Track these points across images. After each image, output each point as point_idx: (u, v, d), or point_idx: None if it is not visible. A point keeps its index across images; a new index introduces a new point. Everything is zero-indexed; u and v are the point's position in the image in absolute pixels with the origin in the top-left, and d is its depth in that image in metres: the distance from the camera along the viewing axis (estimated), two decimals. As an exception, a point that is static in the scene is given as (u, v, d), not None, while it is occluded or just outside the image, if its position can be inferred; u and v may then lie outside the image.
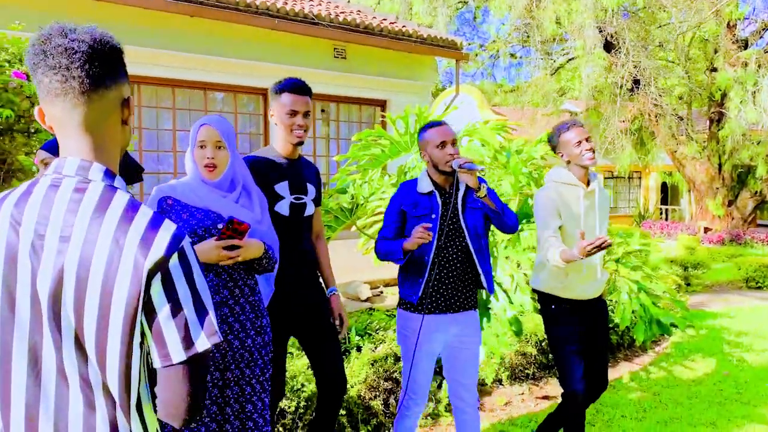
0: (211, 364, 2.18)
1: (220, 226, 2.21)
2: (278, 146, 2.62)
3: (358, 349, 3.69)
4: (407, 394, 2.75)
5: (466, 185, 2.66)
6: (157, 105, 8.35)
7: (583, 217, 2.89)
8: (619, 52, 14.13)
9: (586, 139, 2.87)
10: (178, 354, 1.07)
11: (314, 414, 2.77)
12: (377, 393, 3.58)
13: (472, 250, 2.65)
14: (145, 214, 1.09)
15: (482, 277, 2.68)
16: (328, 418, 2.73)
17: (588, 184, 2.94)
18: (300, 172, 2.65)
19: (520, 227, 3.90)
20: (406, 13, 16.72)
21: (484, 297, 3.71)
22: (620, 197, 22.78)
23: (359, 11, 9.91)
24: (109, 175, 1.12)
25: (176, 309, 1.07)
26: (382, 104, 10.06)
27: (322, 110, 10.03)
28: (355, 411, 3.44)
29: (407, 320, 2.70)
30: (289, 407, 3.21)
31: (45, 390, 1.08)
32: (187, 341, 1.08)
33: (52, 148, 2.19)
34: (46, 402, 1.08)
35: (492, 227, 3.14)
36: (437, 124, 2.70)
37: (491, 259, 3.80)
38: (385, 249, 2.66)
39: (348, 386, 3.47)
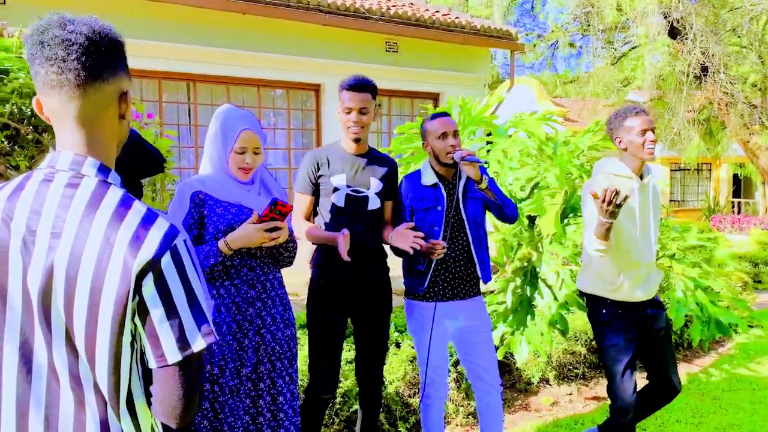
0: (245, 358, 2.19)
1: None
2: (343, 142, 2.70)
3: (397, 345, 3.63)
4: (426, 381, 2.75)
5: (467, 175, 2.63)
6: (212, 103, 8.52)
7: (638, 213, 2.71)
8: (686, 39, 13.50)
9: (653, 130, 2.69)
10: (173, 355, 1.06)
11: (360, 413, 2.82)
12: (416, 390, 3.52)
13: (470, 239, 2.69)
14: (138, 211, 1.07)
15: (477, 266, 2.72)
16: (372, 416, 2.78)
17: (642, 177, 2.76)
18: (365, 166, 2.67)
19: (566, 221, 3.76)
20: (462, 5, 16.51)
21: (528, 293, 3.59)
22: (688, 190, 21.82)
23: (411, 4, 9.81)
24: (103, 170, 1.10)
25: (171, 309, 1.05)
26: (435, 97, 9.95)
27: (377, 105, 10.02)
28: (393, 408, 3.40)
29: (415, 308, 2.75)
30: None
31: (36, 386, 1.07)
32: (183, 341, 1.06)
33: None
34: (37, 398, 1.07)
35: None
36: (440, 115, 2.71)
37: (536, 255, 3.70)
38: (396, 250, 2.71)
39: (386, 383, 3.43)
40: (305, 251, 2.75)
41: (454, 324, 2.72)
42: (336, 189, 2.62)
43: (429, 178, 2.70)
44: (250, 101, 8.80)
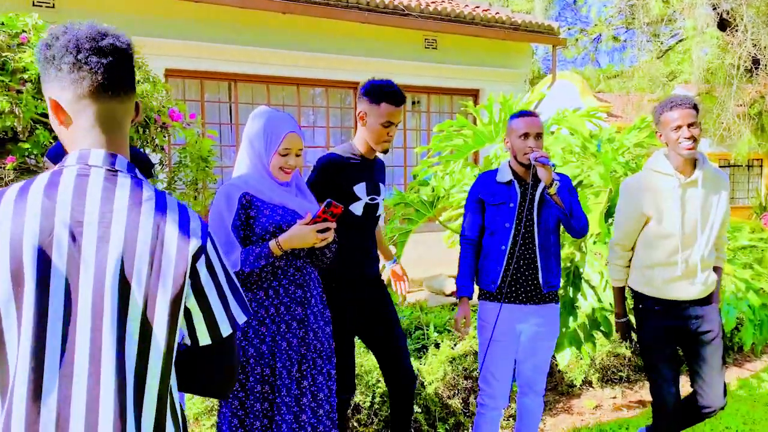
0: (294, 357, 2.20)
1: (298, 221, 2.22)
2: (360, 145, 2.62)
3: (437, 345, 3.60)
4: (482, 390, 2.72)
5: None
6: (252, 102, 8.62)
7: (680, 213, 2.58)
8: (736, 30, 13.05)
9: (690, 125, 2.52)
10: (226, 329, 1.17)
11: (390, 412, 2.77)
12: (456, 391, 3.49)
13: (537, 244, 2.63)
14: (174, 202, 1.16)
15: (539, 273, 2.64)
16: (402, 415, 2.73)
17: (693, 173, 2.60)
18: (374, 172, 2.67)
19: (610, 221, 3.66)
20: (502, 0, 16.31)
21: (571, 295, 3.51)
22: (738, 187, 21.10)
23: (450, 0, 9.73)
24: (130, 167, 1.16)
25: (219, 289, 1.17)
26: (475, 94, 9.86)
27: (414, 102, 9.97)
28: (432, 409, 3.37)
29: (486, 310, 2.70)
30: (364, 402, 3.18)
31: (77, 378, 1.08)
32: (230, 317, 1.18)
33: (57, 156, 2.21)
34: (79, 391, 1.07)
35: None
36: (527, 114, 2.66)
37: (579, 256, 3.61)
38: (460, 268, 2.75)
39: (425, 383, 3.40)
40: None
41: (524, 329, 2.68)
42: (358, 198, 2.57)
43: (505, 175, 2.68)
44: (290, 100, 8.87)
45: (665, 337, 2.65)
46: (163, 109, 3.06)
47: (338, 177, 2.53)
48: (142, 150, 1.74)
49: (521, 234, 2.62)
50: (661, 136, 2.64)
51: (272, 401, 2.14)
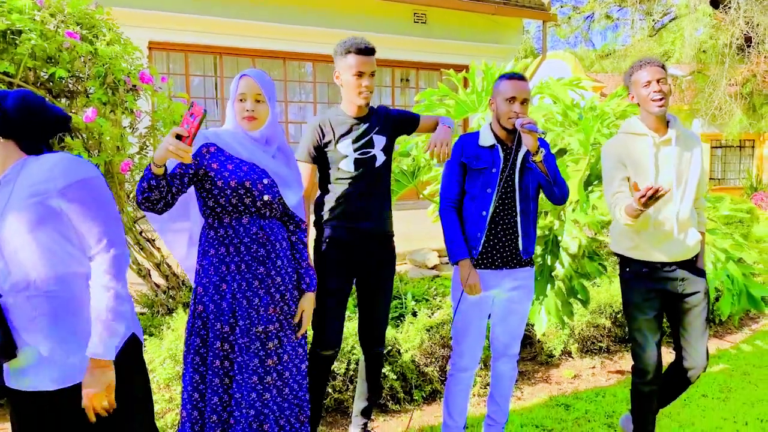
0: (255, 317, 2.18)
1: (266, 180, 2.18)
2: (345, 107, 2.63)
3: (414, 314, 3.58)
4: (454, 355, 2.71)
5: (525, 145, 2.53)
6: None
7: (654, 171, 2.60)
8: (729, 8, 12.96)
9: (659, 80, 2.54)
10: None
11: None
12: (433, 359, 3.48)
13: (518, 210, 2.59)
14: None
15: (520, 239, 2.60)
16: (370, 373, 2.80)
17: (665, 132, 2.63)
18: (366, 127, 2.63)
19: (590, 189, 3.63)
20: (494, -24, 16.09)
21: (549, 263, 3.49)
22: (729, 167, 21.13)
23: (440, -27, 9.58)
24: None
25: None
26: (464, 70, 9.77)
27: (402, 79, 9.88)
28: (409, 376, 3.36)
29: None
30: (339, 369, 3.17)
31: None
32: None
33: None
34: None
35: None
36: (516, 77, 2.58)
37: (558, 224, 3.59)
38: (448, 233, 2.62)
39: (402, 351, 3.39)
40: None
41: (499, 294, 2.65)
42: (344, 156, 2.58)
43: (487, 139, 2.61)
44: (276, 74, 8.77)
45: (651, 300, 2.65)
46: (133, 72, 3.00)
47: (321, 136, 2.57)
48: (57, 108, 1.68)
49: (504, 200, 2.58)
50: (632, 97, 2.66)
51: (232, 360, 2.12)
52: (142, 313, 3.66)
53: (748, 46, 13.42)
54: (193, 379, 2.12)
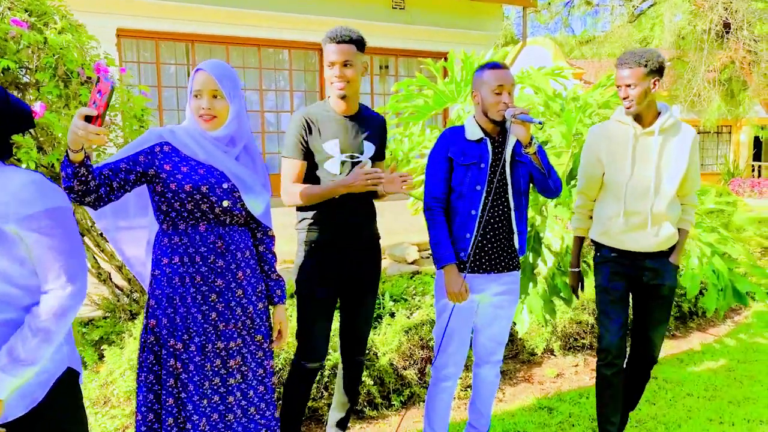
0: (212, 332, 2.01)
1: (225, 185, 2.01)
2: (332, 102, 2.46)
3: (392, 315, 3.44)
4: (436, 362, 2.57)
5: (516, 137, 2.37)
6: (211, 63, 8.26)
7: (629, 163, 2.55)
8: (708, -7, 12.90)
9: (627, 85, 2.49)
10: None
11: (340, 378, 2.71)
12: (411, 362, 3.34)
13: (512, 207, 2.45)
14: None
15: (516, 237, 2.48)
16: (350, 381, 2.67)
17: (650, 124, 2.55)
18: (357, 129, 2.46)
19: (573, 183, 3.50)
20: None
21: (531, 260, 3.36)
22: (707, 153, 21.29)
23: (418, -42, 9.37)
24: None
25: None
26: (444, 57, 9.59)
27: (381, 66, 9.69)
28: (386, 380, 3.22)
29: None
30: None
31: None
32: None
33: None
34: None
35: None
36: (498, 66, 2.41)
37: (540, 219, 3.46)
38: (434, 235, 2.44)
39: (379, 354, 3.25)
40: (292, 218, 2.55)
41: (484, 299, 2.51)
42: (330, 157, 2.40)
43: (474, 133, 2.43)
44: (251, 62, 8.52)
45: (615, 282, 2.66)
46: (87, 62, 2.79)
47: (306, 133, 2.40)
48: (17, 101, 1.47)
49: (494, 197, 2.42)
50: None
51: (184, 381, 1.95)
52: (104, 318, 3.47)
53: (727, 33, 13.39)
54: (146, 399, 1.96)
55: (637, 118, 2.55)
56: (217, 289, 2.00)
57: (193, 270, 1.97)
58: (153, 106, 7.75)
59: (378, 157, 2.57)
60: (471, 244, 2.41)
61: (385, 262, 5.24)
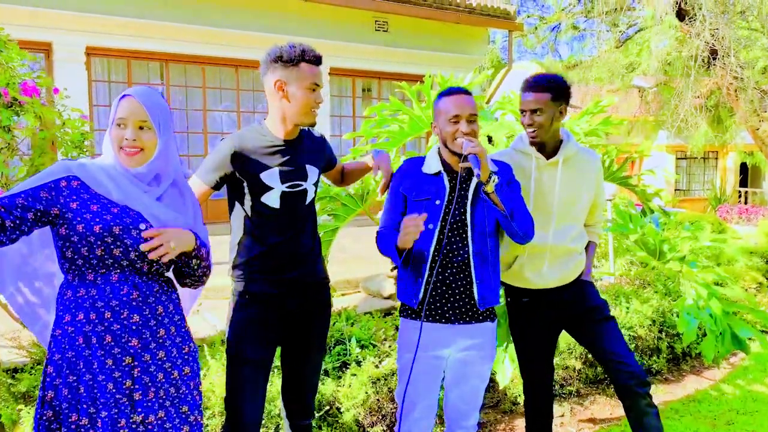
0: (125, 405, 1.67)
1: (142, 226, 1.69)
2: (275, 126, 2.14)
3: (359, 363, 3.11)
4: (399, 423, 2.25)
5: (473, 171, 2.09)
6: (186, 84, 7.97)
7: (532, 195, 2.38)
8: (694, 20, 12.85)
9: (532, 111, 2.31)
10: None
11: None
12: (379, 417, 3.00)
13: (470, 252, 2.14)
14: None
15: (474, 287, 2.15)
16: None
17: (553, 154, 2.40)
18: (297, 154, 2.16)
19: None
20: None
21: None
22: (694, 179, 21.24)
23: (402, -21, 9.20)
24: None
25: None
26: (422, 81, 9.40)
27: (364, 89, 9.44)
28: (350, 439, 2.88)
29: (406, 329, 2.23)
30: (265, 436, 2.67)
31: None
32: None
33: None
34: None
35: None
36: (456, 91, 2.16)
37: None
38: (383, 247, 2.21)
39: (343, 410, 2.91)
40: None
41: (450, 352, 2.20)
42: (269, 188, 2.09)
43: (432, 166, 2.19)
44: (228, 83, 8.25)
45: (540, 329, 2.52)
46: (13, 82, 2.47)
47: (241, 164, 2.07)
48: None
49: (449, 238, 2.13)
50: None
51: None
52: (33, 366, 3.09)
53: (714, 59, 13.34)
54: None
55: (540, 147, 2.37)
56: (133, 351, 1.68)
57: (101, 329, 1.65)
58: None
59: (327, 169, 2.36)
60: (422, 288, 2.13)
61: (358, 297, 4.91)
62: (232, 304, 2.14)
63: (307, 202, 2.19)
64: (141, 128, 1.72)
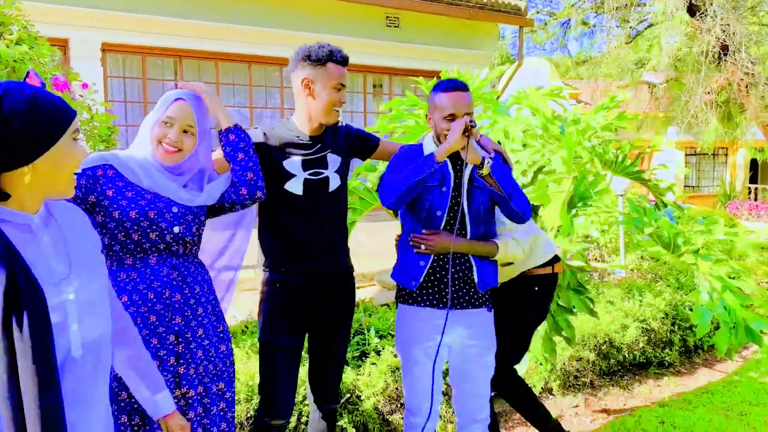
0: (170, 380, 1.75)
1: (174, 209, 1.78)
2: (301, 122, 2.20)
3: (378, 353, 3.17)
4: (407, 411, 2.31)
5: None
6: (199, 80, 8.04)
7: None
8: (705, 16, 12.82)
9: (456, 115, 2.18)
10: None
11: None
12: (398, 405, 3.07)
13: (468, 236, 2.20)
14: None
15: (474, 270, 2.19)
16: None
17: None
18: (320, 145, 2.22)
19: (575, 212, 3.26)
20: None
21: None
22: (704, 175, 21.17)
23: (413, -25, 9.22)
24: None
25: None
26: (438, 76, 9.42)
27: (375, 85, 9.50)
28: (370, 427, 2.95)
29: (404, 315, 2.26)
30: (289, 423, 2.74)
31: None
32: None
33: None
34: None
35: None
36: (452, 86, 2.17)
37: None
38: (399, 180, 2.11)
39: (363, 398, 2.98)
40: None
41: (451, 340, 2.22)
42: (292, 176, 2.15)
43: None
44: (241, 79, 8.31)
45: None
46: (45, 77, 2.54)
47: (267, 153, 2.15)
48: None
49: (451, 223, 2.18)
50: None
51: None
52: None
53: (725, 55, 13.30)
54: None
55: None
56: (177, 329, 1.76)
57: (145, 309, 1.72)
58: (138, 123, 7.53)
59: (347, 162, 2.32)
60: (424, 273, 2.17)
61: (373, 290, 4.97)
62: (262, 294, 2.21)
63: (330, 190, 2.23)
64: (185, 132, 1.81)
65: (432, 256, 2.17)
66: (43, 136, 1.06)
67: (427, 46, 9.16)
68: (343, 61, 2.15)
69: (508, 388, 2.82)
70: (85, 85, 2.79)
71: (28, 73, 1.42)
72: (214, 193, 1.91)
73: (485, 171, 2.09)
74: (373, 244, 6.05)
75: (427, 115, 2.27)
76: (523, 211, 2.18)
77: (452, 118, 2.12)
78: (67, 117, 1.12)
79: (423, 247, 2.16)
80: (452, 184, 2.19)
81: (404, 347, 2.26)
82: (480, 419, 2.30)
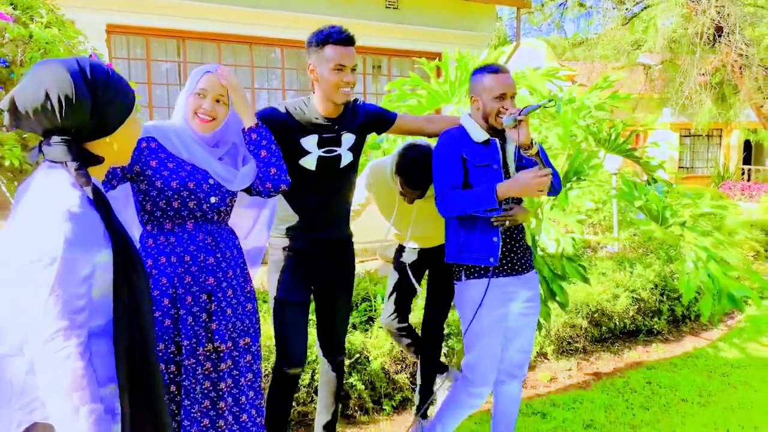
0: (202, 335, 1.95)
1: (211, 181, 1.97)
2: (319, 104, 2.32)
3: (384, 317, 3.38)
4: (465, 379, 2.43)
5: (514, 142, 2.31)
6: (202, 61, 8.17)
7: None
8: (700, -3, 12.91)
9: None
10: None
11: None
12: (403, 366, 3.29)
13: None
14: None
15: (529, 235, 2.50)
16: (333, 383, 2.61)
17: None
18: (336, 125, 2.36)
19: (569, 186, 3.46)
20: (468, -38, 15.86)
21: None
22: (698, 156, 21.39)
23: (412, -43, 9.32)
24: None
25: None
26: (437, 57, 9.54)
27: (374, 66, 9.63)
28: (378, 385, 3.17)
29: (477, 290, 2.33)
30: (303, 380, 2.96)
31: None
32: None
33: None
34: None
35: None
36: (498, 70, 2.33)
37: (535, 222, 3.42)
38: (461, 205, 2.25)
39: (370, 358, 3.20)
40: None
41: (513, 306, 2.40)
42: (307, 152, 2.32)
43: (480, 135, 2.35)
44: (243, 60, 8.45)
45: None
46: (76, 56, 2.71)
47: (284, 130, 2.27)
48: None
49: (507, 198, 2.31)
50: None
51: (179, 383, 1.89)
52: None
53: (719, 36, 13.42)
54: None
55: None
56: (209, 288, 1.95)
57: (182, 270, 1.92)
58: (143, 103, 7.65)
59: (361, 140, 2.45)
60: (500, 247, 2.32)
61: (377, 263, 5.18)
62: (275, 256, 2.40)
63: (341, 166, 2.39)
64: (217, 101, 1.98)
65: (500, 229, 2.33)
66: (124, 106, 1.25)
67: (425, 27, 9.29)
68: (342, 40, 2.20)
69: (435, 337, 2.91)
70: (109, 65, 2.96)
71: (90, 55, 1.59)
72: (245, 180, 2.05)
73: (534, 150, 2.23)
74: (374, 221, 6.23)
75: (471, 97, 2.39)
76: (558, 187, 2.41)
77: (503, 97, 2.27)
78: (132, 92, 1.31)
79: (508, 222, 2.32)
80: (501, 162, 2.35)
81: (477, 321, 2.35)
82: (522, 373, 2.52)
